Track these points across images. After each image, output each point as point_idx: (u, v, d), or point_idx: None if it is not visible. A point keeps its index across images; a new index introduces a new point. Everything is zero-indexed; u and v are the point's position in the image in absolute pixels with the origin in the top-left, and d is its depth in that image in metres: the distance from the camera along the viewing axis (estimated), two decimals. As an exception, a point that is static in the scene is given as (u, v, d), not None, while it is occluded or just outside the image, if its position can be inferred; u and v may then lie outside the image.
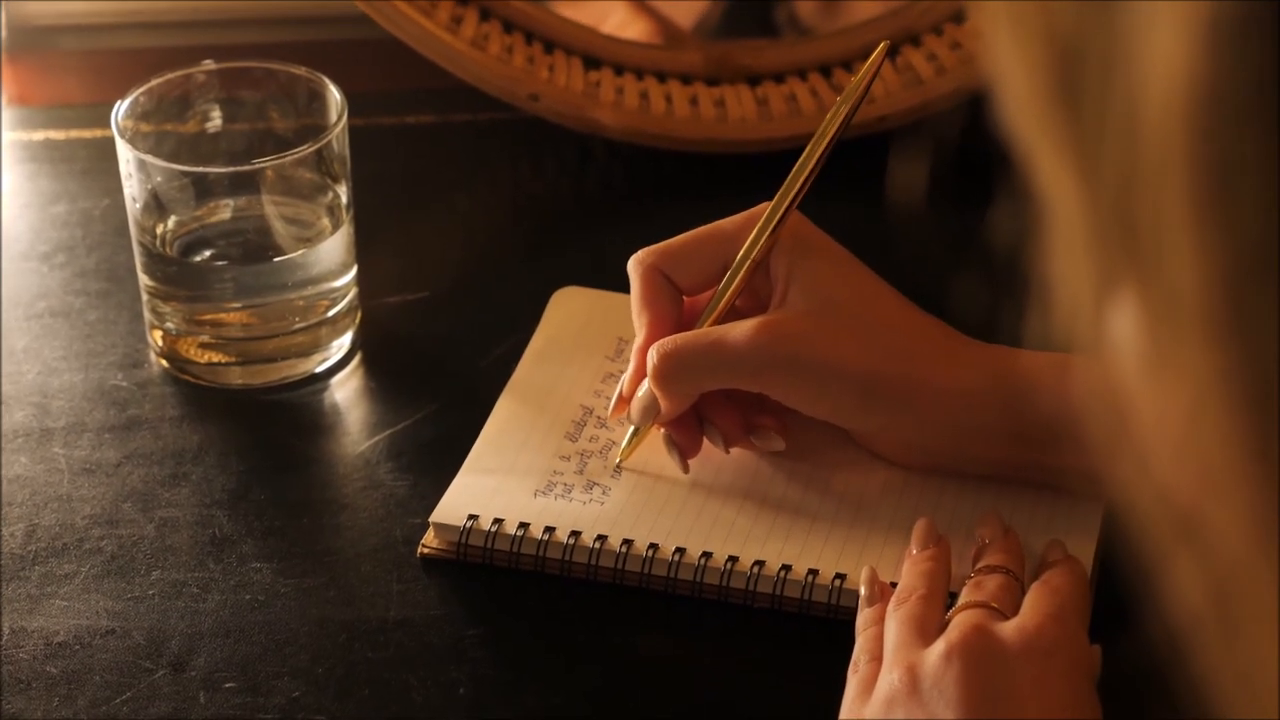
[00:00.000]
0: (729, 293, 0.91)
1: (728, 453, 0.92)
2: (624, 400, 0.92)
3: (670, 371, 0.89)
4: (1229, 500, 0.37)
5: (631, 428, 0.93)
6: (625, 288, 0.94)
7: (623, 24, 1.21)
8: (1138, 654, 0.44)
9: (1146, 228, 0.36)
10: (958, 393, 0.89)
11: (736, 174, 1.13)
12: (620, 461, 0.93)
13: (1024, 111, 0.38)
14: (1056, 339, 0.40)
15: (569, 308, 1.02)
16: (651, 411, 0.91)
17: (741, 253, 0.91)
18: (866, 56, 0.94)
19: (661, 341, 0.89)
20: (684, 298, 0.93)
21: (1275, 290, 0.35)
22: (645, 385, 0.90)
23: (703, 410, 0.92)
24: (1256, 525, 0.36)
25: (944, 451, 0.91)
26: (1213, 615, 0.39)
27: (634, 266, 0.92)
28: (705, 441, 0.92)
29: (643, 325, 0.91)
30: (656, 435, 0.93)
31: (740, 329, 0.89)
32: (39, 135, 1.18)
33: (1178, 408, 0.37)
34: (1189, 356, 0.36)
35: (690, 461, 0.92)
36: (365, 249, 1.03)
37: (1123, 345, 0.38)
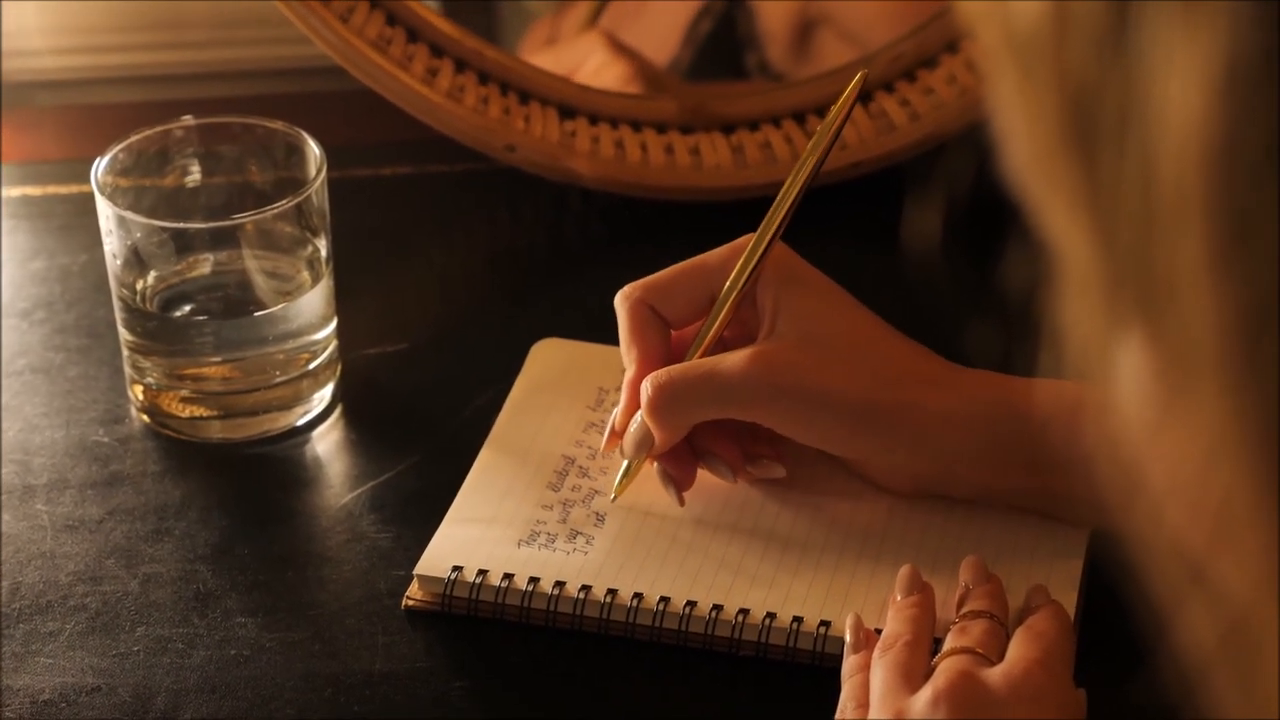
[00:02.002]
0: (716, 324, 0.92)
1: (735, 482, 0.93)
2: (616, 435, 0.93)
3: (665, 403, 0.90)
4: (1241, 546, 0.37)
5: (625, 463, 0.93)
6: (606, 337, 0.95)
7: (600, 67, 1.21)
8: (1143, 694, 0.44)
9: (1161, 277, 0.36)
10: (945, 417, 0.89)
11: (713, 221, 1.13)
12: (615, 497, 0.94)
13: (1034, 160, 0.39)
14: (1069, 382, 0.40)
15: (549, 359, 1.03)
16: (645, 444, 0.91)
17: (728, 285, 0.92)
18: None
19: (655, 374, 0.90)
20: (671, 331, 0.93)
21: None
22: (638, 419, 0.91)
23: (702, 443, 0.92)
24: (1267, 570, 0.37)
25: (932, 476, 0.92)
26: (1225, 660, 0.39)
27: (621, 301, 0.93)
28: (700, 474, 0.93)
29: (632, 359, 0.92)
30: (649, 471, 0.93)
31: (733, 360, 0.89)
32: (16, 191, 1.18)
33: (1190, 455, 0.37)
34: (1202, 405, 0.36)
35: (685, 495, 0.93)
36: (344, 301, 1.03)
37: (1133, 393, 0.38)
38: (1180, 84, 0.35)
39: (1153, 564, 0.40)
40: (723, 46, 1.27)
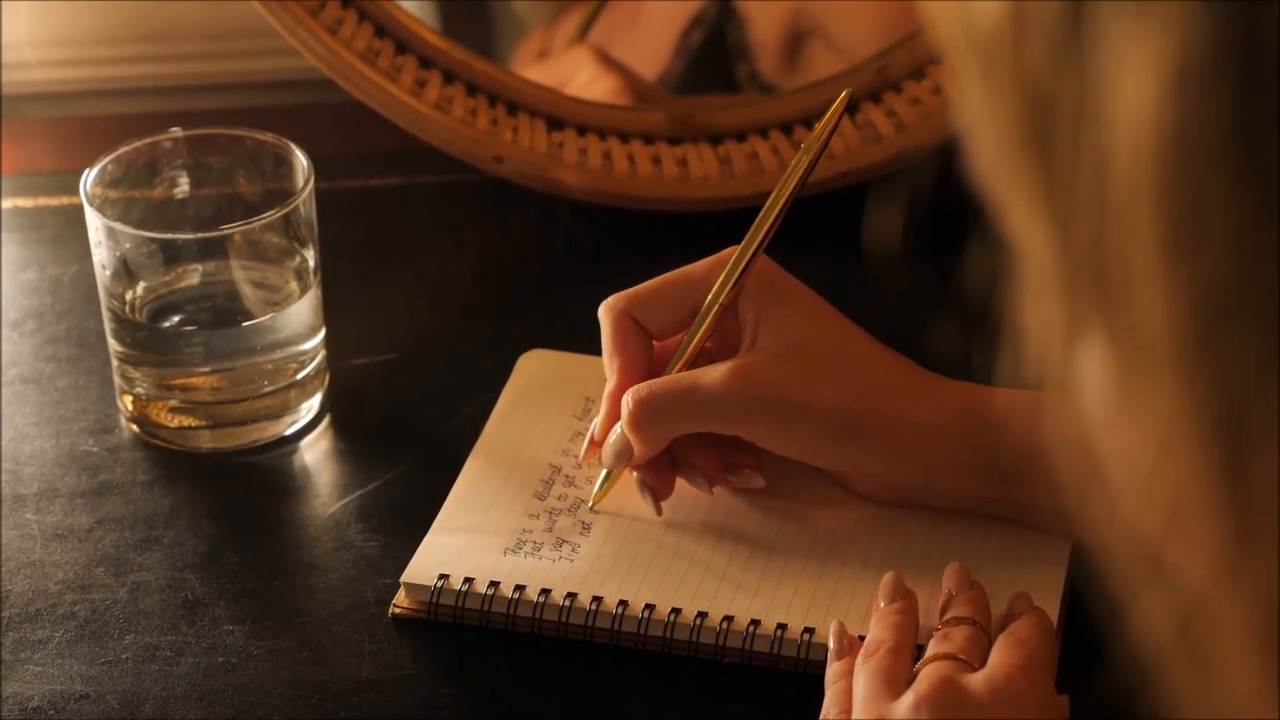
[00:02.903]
0: (698, 336, 0.93)
1: (711, 493, 0.93)
2: (595, 444, 0.94)
3: (645, 417, 0.90)
4: (1195, 535, 0.38)
5: (604, 471, 0.94)
6: (591, 348, 0.95)
7: (590, 81, 1.22)
8: (1110, 691, 0.45)
9: (1116, 271, 0.37)
10: (927, 428, 0.90)
11: (700, 232, 1.14)
12: (593, 505, 0.94)
13: (995, 159, 0.39)
14: (1027, 382, 0.41)
15: (536, 369, 1.03)
16: (624, 455, 0.92)
17: (710, 297, 0.92)
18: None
19: (636, 387, 0.91)
20: (654, 342, 0.94)
21: (1241, 331, 0.36)
22: (617, 429, 0.92)
23: (680, 453, 0.93)
24: (1222, 559, 0.38)
25: (914, 486, 0.92)
26: (1180, 648, 0.40)
27: (604, 312, 0.93)
28: (677, 483, 0.93)
29: (614, 370, 0.93)
30: (629, 479, 0.94)
31: (714, 373, 0.90)
32: (7, 203, 1.18)
33: (1146, 445, 0.38)
34: (1158, 396, 0.37)
35: (663, 504, 0.93)
36: (333, 311, 1.04)
37: (1092, 386, 0.39)
38: (1133, 83, 0.36)
39: (1109, 556, 0.41)
40: (714, 58, 1.28)
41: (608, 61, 1.24)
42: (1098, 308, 0.38)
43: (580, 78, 1.23)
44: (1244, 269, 0.36)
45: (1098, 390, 0.39)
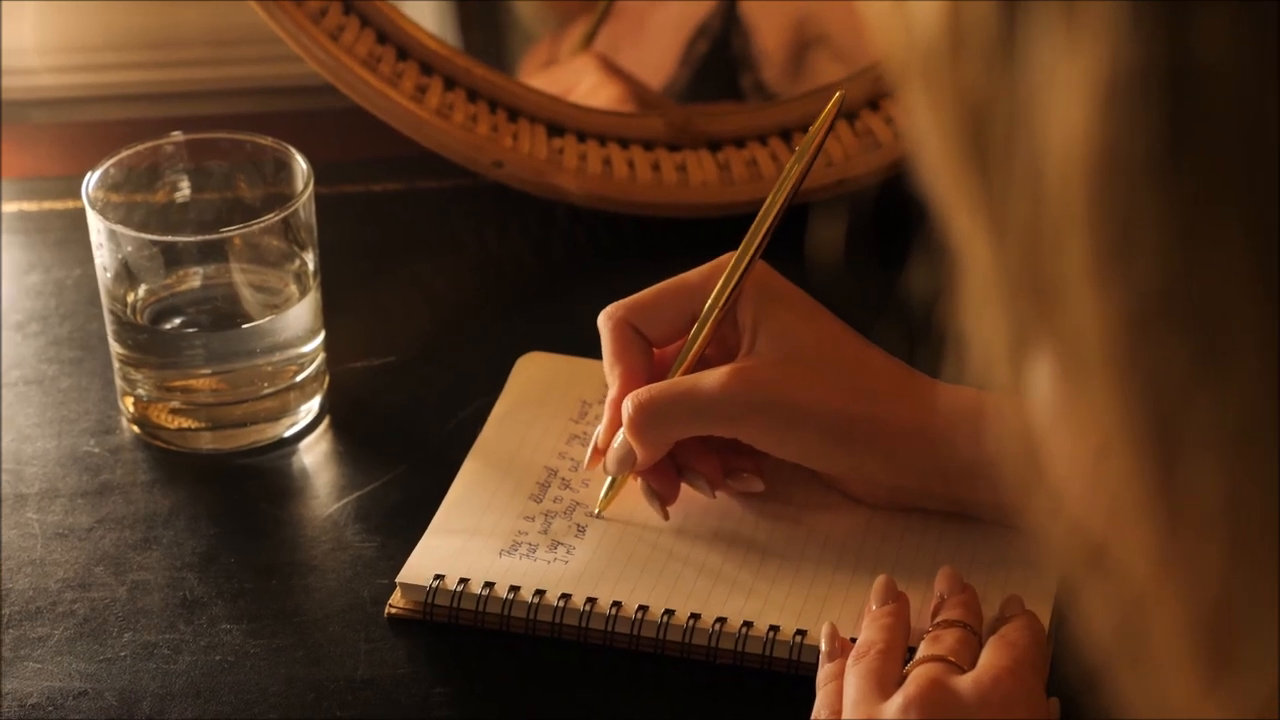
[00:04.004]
0: (698, 343, 0.93)
1: (714, 497, 0.94)
2: (599, 452, 0.95)
3: (646, 421, 0.91)
4: (1131, 535, 0.39)
5: (609, 478, 0.95)
6: (590, 351, 0.96)
7: (594, 89, 1.23)
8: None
9: (1051, 281, 0.38)
10: (920, 432, 0.91)
11: (699, 237, 1.15)
12: (599, 512, 0.95)
13: (939, 171, 0.40)
14: (971, 385, 0.42)
15: (533, 372, 1.04)
16: (628, 461, 0.93)
17: (709, 303, 0.93)
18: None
19: (636, 393, 0.92)
20: (654, 349, 0.95)
21: (1170, 339, 0.37)
22: (620, 436, 0.93)
23: (682, 457, 0.94)
24: (1156, 558, 0.38)
25: (910, 490, 0.93)
26: (1121, 644, 0.41)
27: (604, 321, 0.94)
28: (682, 487, 0.94)
29: (615, 378, 0.93)
30: (634, 484, 0.95)
31: (712, 377, 0.91)
32: (12, 207, 1.19)
33: (1085, 450, 0.39)
34: (1094, 401, 0.38)
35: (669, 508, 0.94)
36: (333, 315, 1.05)
37: (1035, 391, 0.40)
38: (1063, 98, 0.37)
39: (1052, 554, 0.41)
40: (719, 67, 1.28)
41: (612, 69, 1.24)
42: (1037, 314, 0.39)
43: (584, 85, 1.24)
44: (1171, 280, 0.36)
45: (1040, 395, 0.40)
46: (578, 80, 1.24)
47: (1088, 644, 0.41)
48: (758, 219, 0.93)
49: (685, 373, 0.93)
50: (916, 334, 0.46)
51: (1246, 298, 0.36)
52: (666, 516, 0.94)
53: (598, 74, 1.24)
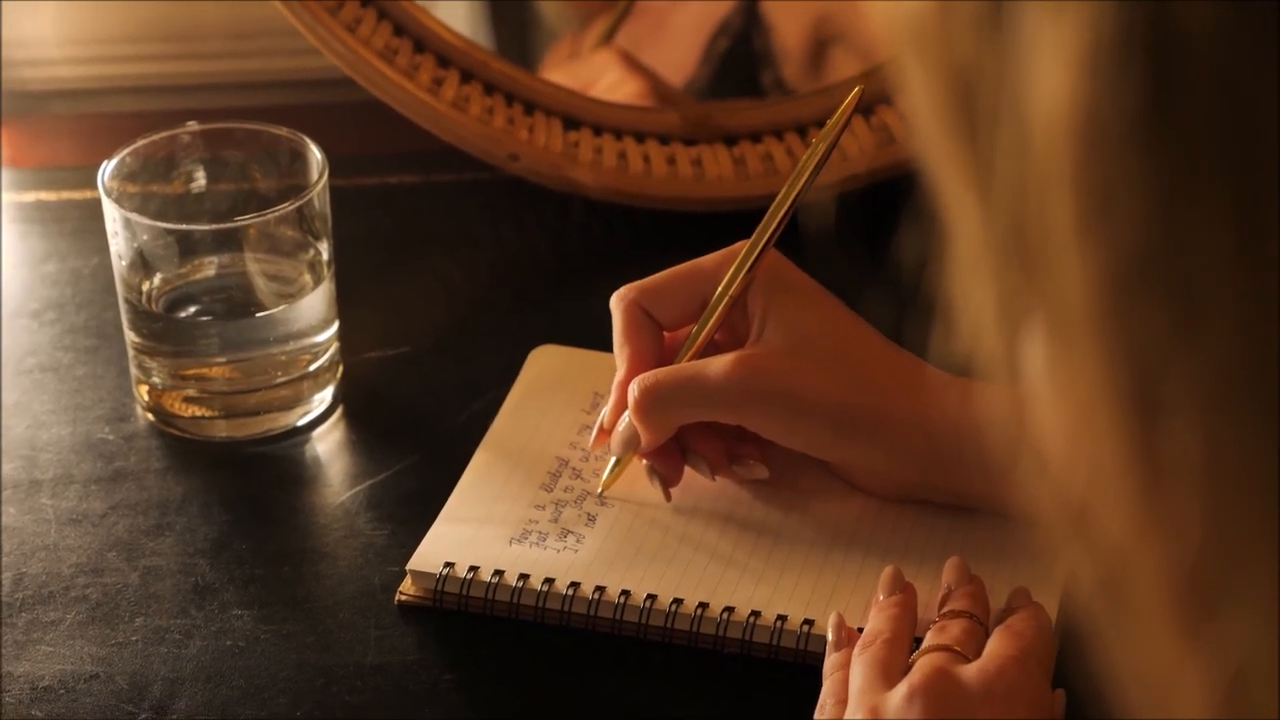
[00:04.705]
0: (707, 328, 0.94)
1: (714, 480, 0.95)
2: (605, 433, 0.95)
3: (650, 404, 0.92)
4: (1113, 493, 0.39)
5: (613, 459, 0.95)
6: (604, 345, 0.97)
7: (615, 85, 1.23)
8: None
9: (1037, 245, 0.39)
10: (928, 426, 0.91)
11: (714, 232, 1.15)
12: (602, 491, 0.96)
13: (930, 138, 0.41)
14: (960, 353, 0.43)
15: (546, 364, 1.05)
16: (632, 443, 0.93)
17: (719, 289, 0.94)
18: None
19: (642, 376, 0.92)
20: (664, 333, 0.95)
21: (1151, 302, 0.37)
22: (626, 418, 0.93)
23: (686, 440, 0.94)
24: (1136, 518, 0.39)
25: (914, 483, 0.93)
26: (1103, 605, 0.41)
27: (616, 303, 0.95)
28: (686, 470, 0.95)
29: (624, 359, 0.94)
30: (638, 466, 0.95)
31: (717, 364, 0.91)
32: (31, 196, 1.20)
33: (1069, 408, 0.39)
34: (1078, 364, 0.39)
35: (672, 490, 0.95)
36: (349, 306, 1.05)
37: (1022, 355, 0.41)
38: (1048, 64, 0.37)
39: (1036, 516, 0.42)
40: (739, 65, 1.29)
41: (633, 65, 1.25)
42: (1023, 280, 0.40)
43: (605, 80, 1.24)
44: (1152, 243, 0.37)
45: (1026, 358, 0.40)
46: (599, 75, 1.25)
47: (1071, 600, 0.42)
48: (772, 208, 0.94)
49: (693, 358, 0.94)
50: (906, 302, 0.47)
51: (1225, 261, 0.37)
52: (669, 498, 0.95)
53: (619, 69, 1.25)
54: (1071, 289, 0.38)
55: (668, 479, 0.94)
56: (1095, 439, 0.39)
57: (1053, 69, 0.37)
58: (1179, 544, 0.38)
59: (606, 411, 0.95)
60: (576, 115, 1.18)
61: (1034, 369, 0.40)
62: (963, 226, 0.41)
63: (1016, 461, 0.42)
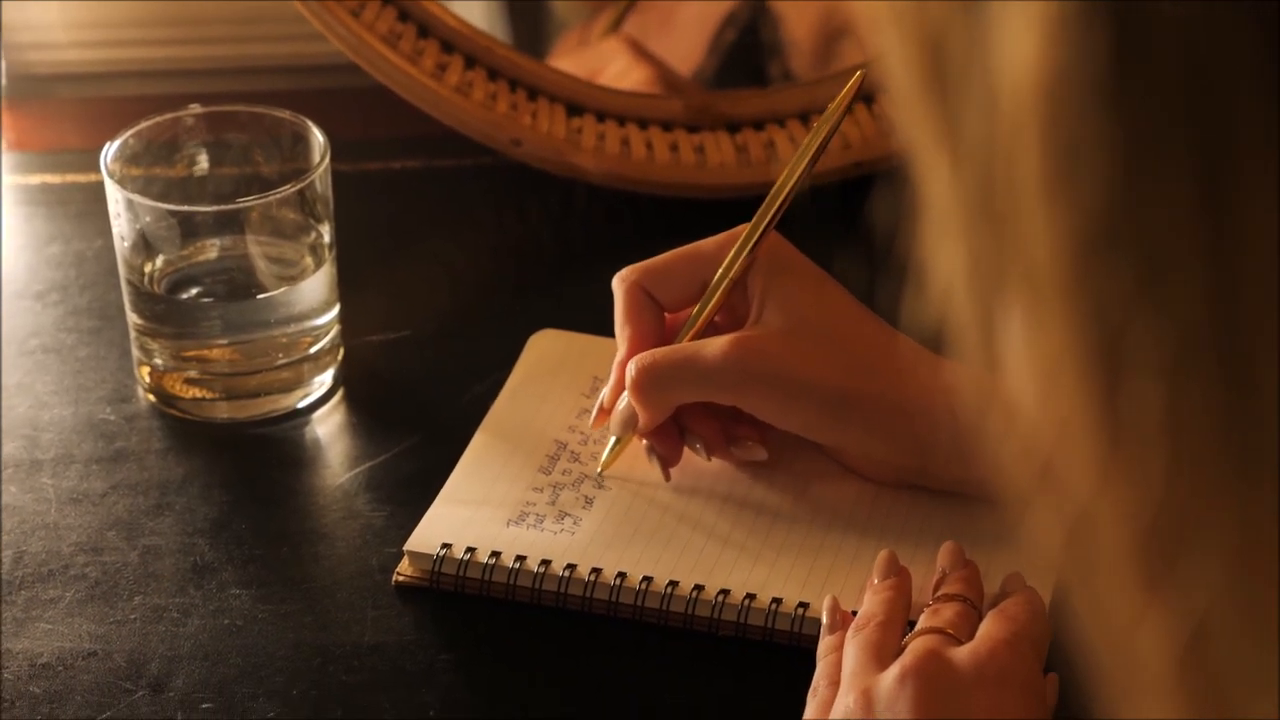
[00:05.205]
0: (707, 310, 0.94)
1: (710, 460, 0.95)
2: (604, 412, 0.96)
3: (647, 383, 0.92)
4: (1078, 451, 0.40)
5: (612, 438, 0.96)
6: (605, 330, 0.97)
7: (622, 72, 1.24)
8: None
9: (1005, 203, 0.39)
10: (924, 411, 0.91)
11: (716, 219, 1.15)
12: (601, 471, 0.96)
13: (902, 101, 0.42)
14: (931, 315, 0.43)
15: (545, 348, 1.05)
16: (631, 423, 0.94)
17: (720, 272, 0.94)
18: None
19: (640, 355, 0.93)
20: (666, 314, 0.96)
21: (1118, 256, 0.38)
22: (625, 397, 0.94)
23: (684, 420, 0.95)
24: (1101, 473, 0.40)
25: (910, 468, 0.94)
26: (1069, 562, 0.42)
27: (618, 284, 0.95)
28: (685, 451, 0.95)
29: (625, 340, 0.95)
30: (637, 446, 0.95)
31: (714, 345, 0.92)
32: (36, 179, 1.21)
33: (1038, 366, 0.40)
34: (1045, 321, 0.39)
35: (671, 470, 0.95)
36: (351, 289, 1.06)
37: (991, 317, 0.41)
38: (1017, 24, 0.38)
39: (1003, 470, 0.43)
40: (747, 55, 1.29)
41: (641, 52, 1.25)
42: (992, 241, 0.40)
43: (613, 68, 1.25)
44: (1117, 202, 0.38)
45: (995, 320, 0.41)
46: (607, 63, 1.25)
47: (1036, 555, 0.42)
48: (773, 191, 0.94)
49: (693, 339, 0.94)
50: (878, 266, 0.47)
51: (1188, 219, 0.37)
52: (668, 478, 0.95)
53: (627, 57, 1.25)
54: (1039, 249, 0.39)
55: (667, 459, 0.95)
56: (1062, 396, 0.40)
57: (1021, 32, 0.38)
58: (1140, 498, 0.39)
59: (606, 391, 0.96)
60: (579, 101, 1.18)
61: (1004, 329, 0.41)
62: (934, 188, 0.42)
63: (986, 418, 0.42)
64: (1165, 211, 0.37)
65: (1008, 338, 0.41)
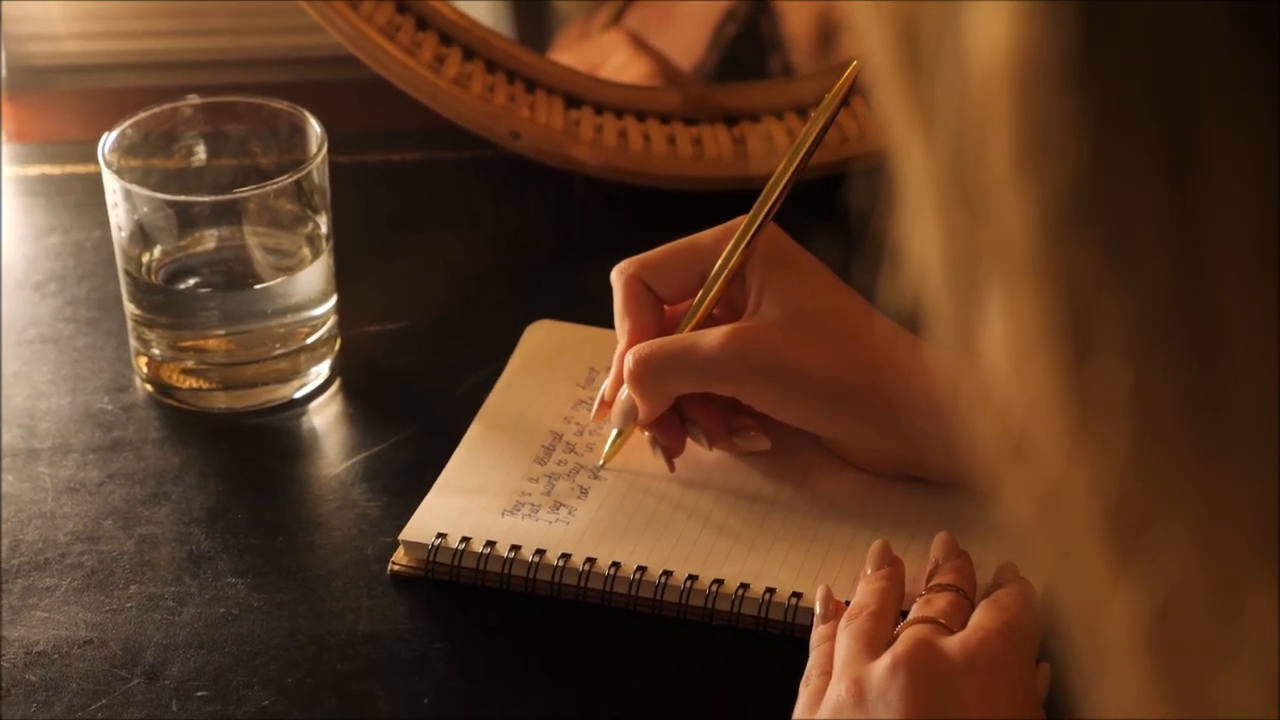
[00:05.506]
0: (706, 302, 0.95)
1: (711, 450, 0.95)
2: (605, 405, 0.96)
3: (645, 374, 0.93)
4: (1048, 426, 0.40)
5: (614, 430, 0.96)
6: (603, 322, 0.97)
7: (623, 65, 1.24)
8: None
9: (978, 181, 0.40)
10: (917, 403, 0.92)
11: (713, 211, 1.15)
12: (603, 463, 0.96)
13: (880, 85, 0.42)
14: (906, 296, 0.44)
15: (542, 339, 1.05)
16: (631, 414, 0.94)
17: (718, 264, 0.95)
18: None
19: (638, 346, 0.93)
20: (665, 307, 0.96)
21: (1087, 233, 0.38)
22: (625, 389, 0.94)
23: (685, 411, 0.95)
24: (1070, 447, 0.40)
25: (907, 460, 0.94)
26: (1041, 536, 0.42)
27: (616, 276, 0.96)
28: (688, 442, 0.96)
29: (624, 332, 0.95)
30: (639, 439, 0.96)
31: (712, 335, 0.92)
32: (35, 170, 1.21)
33: (1011, 343, 0.41)
34: (1019, 296, 0.40)
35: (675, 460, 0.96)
36: (349, 280, 1.06)
37: (966, 296, 0.42)
38: (988, 5, 0.38)
39: (978, 446, 0.43)
40: (747, 50, 1.29)
41: (641, 45, 1.25)
42: (966, 220, 0.41)
43: (614, 61, 1.25)
44: (1085, 179, 0.38)
45: (970, 299, 0.41)
46: (608, 56, 1.25)
47: (1009, 528, 0.43)
48: (770, 183, 0.95)
49: (692, 331, 0.94)
50: (854, 246, 0.48)
51: (1155, 195, 0.38)
52: (673, 468, 0.95)
53: (628, 50, 1.26)
54: (1011, 227, 0.39)
55: (670, 450, 0.95)
56: (1033, 372, 0.40)
57: (991, 12, 0.38)
58: (1107, 472, 0.40)
59: (607, 384, 0.96)
60: (578, 94, 1.19)
61: (978, 307, 0.41)
62: (909, 168, 0.42)
63: (961, 395, 0.43)
64: (1132, 189, 0.38)
65: (982, 315, 0.41)
